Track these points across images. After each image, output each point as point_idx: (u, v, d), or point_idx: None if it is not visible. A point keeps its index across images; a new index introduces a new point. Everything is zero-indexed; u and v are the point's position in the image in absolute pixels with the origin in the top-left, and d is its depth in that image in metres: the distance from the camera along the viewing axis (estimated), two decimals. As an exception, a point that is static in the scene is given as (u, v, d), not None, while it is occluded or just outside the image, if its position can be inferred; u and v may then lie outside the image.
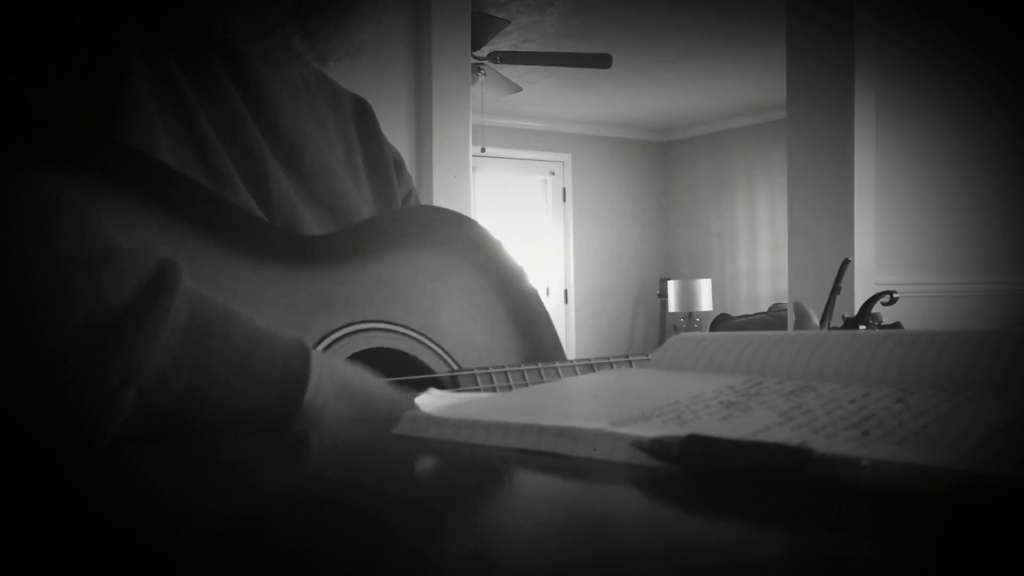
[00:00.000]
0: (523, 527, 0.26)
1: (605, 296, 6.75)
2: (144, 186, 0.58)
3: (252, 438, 0.48)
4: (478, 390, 0.68)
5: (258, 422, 0.50)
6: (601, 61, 4.00)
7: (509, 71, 4.78)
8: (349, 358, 0.64)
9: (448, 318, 0.73)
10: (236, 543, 0.25)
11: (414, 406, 0.56)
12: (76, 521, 0.27)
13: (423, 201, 1.30)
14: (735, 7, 4.03)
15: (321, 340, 0.63)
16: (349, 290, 0.67)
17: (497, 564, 0.23)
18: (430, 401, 0.43)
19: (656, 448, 0.32)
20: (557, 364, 0.74)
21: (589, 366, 0.76)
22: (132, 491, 0.34)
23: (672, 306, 6.31)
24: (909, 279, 2.64)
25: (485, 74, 4.27)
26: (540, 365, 0.73)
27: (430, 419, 0.40)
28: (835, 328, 0.96)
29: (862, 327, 0.94)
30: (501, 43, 4.40)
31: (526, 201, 6.50)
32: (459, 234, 0.77)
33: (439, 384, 0.67)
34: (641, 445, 0.32)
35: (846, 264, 1.01)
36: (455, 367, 0.71)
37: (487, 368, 0.70)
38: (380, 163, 0.87)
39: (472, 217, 0.82)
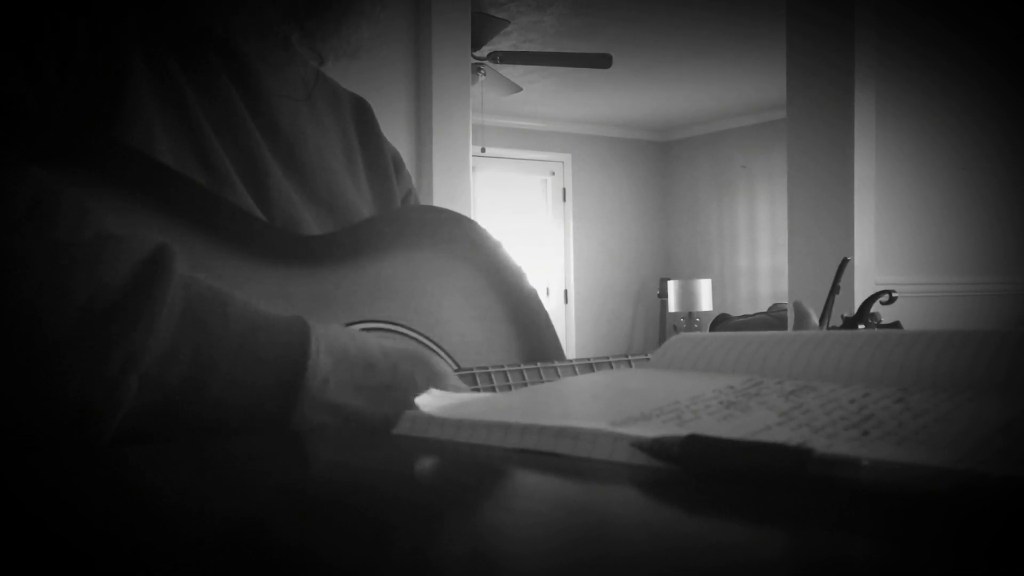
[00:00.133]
0: (523, 527, 0.26)
1: (605, 296, 6.75)
2: (144, 186, 0.59)
3: (252, 438, 0.48)
4: (478, 390, 0.68)
5: (261, 405, 0.50)
6: (601, 61, 4.00)
7: (509, 71, 4.78)
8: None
9: (447, 318, 0.73)
10: (236, 543, 0.25)
11: (412, 368, 0.56)
12: (76, 521, 0.27)
13: (423, 201, 1.30)
14: (735, 7, 4.03)
15: (321, 340, 0.63)
16: (348, 290, 0.67)
17: (497, 564, 0.23)
18: (430, 401, 0.43)
19: (656, 448, 0.32)
20: (556, 364, 0.74)
21: (588, 366, 0.76)
22: (132, 491, 0.34)
23: (672, 306, 6.31)
24: (909, 279, 2.64)
25: (485, 74, 4.27)
26: (540, 365, 0.73)
27: (430, 419, 0.40)
28: (834, 328, 0.96)
29: (861, 327, 0.94)
30: (501, 43, 4.40)
31: (526, 201, 6.50)
32: (459, 234, 0.77)
33: (439, 384, 0.67)
34: (641, 445, 0.32)
35: (845, 264, 1.01)
36: (455, 366, 0.71)
37: (487, 368, 0.70)
38: (379, 162, 0.87)
39: (472, 217, 0.82)
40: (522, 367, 0.72)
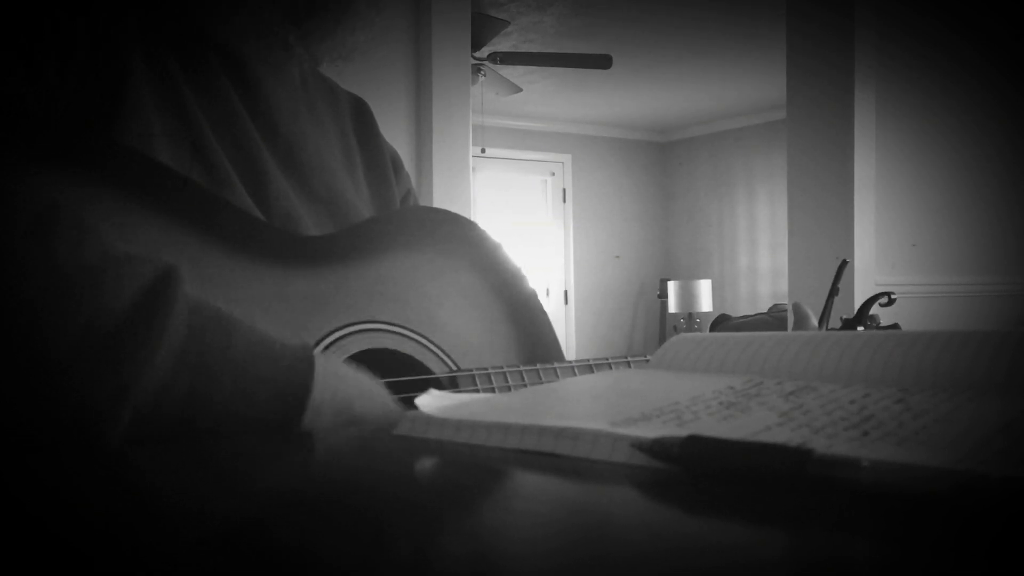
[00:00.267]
0: (523, 527, 0.26)
1: (605, 296, 6.74)
2: (143, 186, 0.58)
3: (252, 438, 0.48)
4: (477, 391, 0.68)
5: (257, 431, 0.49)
6: (601, 61, 4.00)
7: (509, 71, 4.78)
8: (348, 359, 0.64)
9: (447, 319, 0.73)
10: (236, 543, 0.25)
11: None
12: (76, 521, 0.27)
13: (423, 201, 1.30)
14: (735, 7, 4.03)
15: (320, 340, 0.63)
16: (348, 290, 0.67)
17: (497, 564, 0.23)
18: (430, 402, 0.43)
19: (656, 449, 0.32)
20: (556, 365, 0.74)
21: (588, 367, 0.76)
22: (132, 491, 0.34)
23: (672, 306, 6.31)
24: (909, 279, 2.64)
25: (485, 74, 4.27)
26: (539, 366, 0.73)
27: (430, 420, 0.40)
28: (833, 330, 0.96)
29: (860, 328, 0.94)
30: (501, 43, 4.40)
31: (526, 202, 6.49)
32: (458, 235, 0.77)
33: (438, 385, 0.67)
34: (641, 446, 0.32)
35: (844, 265, 1.01)
36: (454, 368, 0.71)
37: (486, 369, 0.70)
38: (378, 162, 0.87)
39: (472, 218, 0.82)
40: (522, 368, 0.72)
